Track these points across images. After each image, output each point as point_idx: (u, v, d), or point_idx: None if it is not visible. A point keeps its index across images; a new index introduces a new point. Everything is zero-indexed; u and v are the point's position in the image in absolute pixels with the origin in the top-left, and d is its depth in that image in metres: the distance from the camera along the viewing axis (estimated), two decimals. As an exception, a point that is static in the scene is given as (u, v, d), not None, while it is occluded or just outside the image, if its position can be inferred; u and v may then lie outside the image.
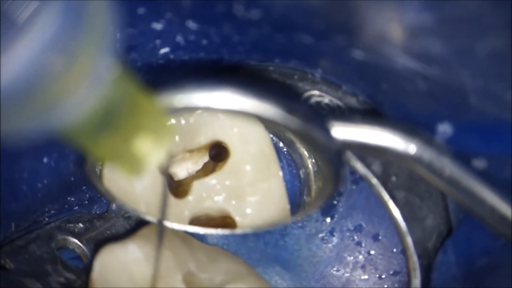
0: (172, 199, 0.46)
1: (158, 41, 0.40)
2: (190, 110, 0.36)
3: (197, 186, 0.46)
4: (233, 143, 0.46)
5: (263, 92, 0.35)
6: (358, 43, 0.34)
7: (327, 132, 0.37)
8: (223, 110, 0.35)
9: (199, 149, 0.47)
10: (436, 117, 0.36)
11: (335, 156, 0.38)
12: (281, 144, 0.48)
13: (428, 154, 0.37)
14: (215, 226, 0.47)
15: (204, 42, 0.40)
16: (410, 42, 0.32)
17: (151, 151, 0.29)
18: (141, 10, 0.37)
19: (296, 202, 0.47)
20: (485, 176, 0.37)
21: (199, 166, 0.47)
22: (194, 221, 0.47)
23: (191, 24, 0.38)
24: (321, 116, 0.38)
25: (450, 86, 0.33)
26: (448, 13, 0.29)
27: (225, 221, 0.47)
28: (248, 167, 0.46)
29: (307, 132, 0.36)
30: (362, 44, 0.34)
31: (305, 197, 0.47)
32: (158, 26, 0.38)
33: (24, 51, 0.21)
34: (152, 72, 0.42)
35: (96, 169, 0.42)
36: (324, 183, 0.42)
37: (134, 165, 0.29)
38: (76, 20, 0.22)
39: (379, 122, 0.38)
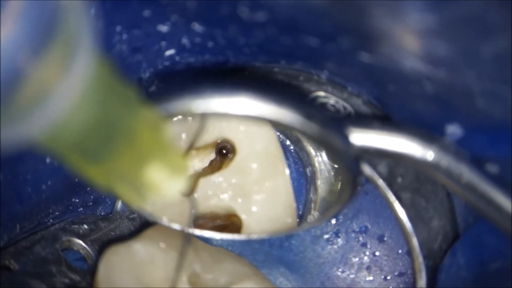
0: (177, 197, 0.46)
1: (163, 43, 0.40)
2: (206, 115, 0.35)
3: (203, 184, 0.46)
4: (240, 141, 0.46)
5: (281, 97, 0.35)
6: (364, 45, 0.34)
7: (345, 138, 0.37)
8: (241, 116, 0.35)
9: (205, 147, 0.46)
10: (442, 119, 0.36)
11: (352, 162, 0.38)
12: (287, 142, 0.47)
13: (446, 161, 0.37)
14: (221, 225, 0.47)
15: (210, 44, 0.40)
16: (416, 43, 0.32)
17: (165, 181, 0.26)
18: (146, 12, 0.37)
19: (302, 201, 0.47)
20: (502, 182, 0.36)
21: (205, 163, 0.47)
22: (199, 219, 0.47)
23: (197, 26, 0.38)
24: (339, 122, 0.38)
25: (456, 88, 0.33)
26: (454, 14, 0.29)
27: (231, 219, 0.47)
28: (254, 165, 0.46)
29: (325, 138, 0.36)
30: (368, 46, 0.34)
31: (311, 196, 0.46)
32: (163, 28, 0.38)
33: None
34: (157, 74, 0.42)
35: None
36: (341, 189, 0.41)
37: (144, 194, 0.27)
38: (42, 19, 0.20)
39: (397, 128, 0.38)
